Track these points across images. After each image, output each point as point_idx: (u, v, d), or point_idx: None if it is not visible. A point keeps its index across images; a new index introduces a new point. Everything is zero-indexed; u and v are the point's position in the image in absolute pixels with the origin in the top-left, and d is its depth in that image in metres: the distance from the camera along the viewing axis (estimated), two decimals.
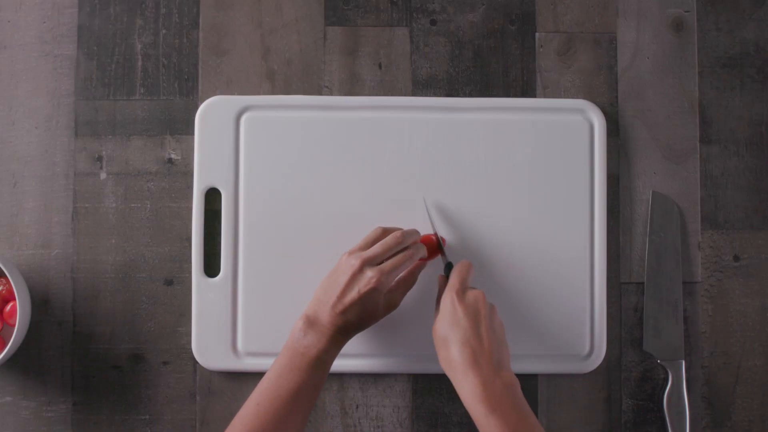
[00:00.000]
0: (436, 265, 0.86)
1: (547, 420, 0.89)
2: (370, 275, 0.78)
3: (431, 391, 0.90)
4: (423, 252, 0.84)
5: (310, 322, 0.79)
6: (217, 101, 0.90)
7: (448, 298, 0.78)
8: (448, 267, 0.83)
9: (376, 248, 0.80)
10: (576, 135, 0.90)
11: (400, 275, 0.84)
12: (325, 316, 0.79)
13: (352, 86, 0.91)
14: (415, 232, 0.84)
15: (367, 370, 0.89)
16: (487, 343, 0.75)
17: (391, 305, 0.82)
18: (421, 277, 0.86)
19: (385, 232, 0.83)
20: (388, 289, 0.82)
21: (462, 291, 0.78)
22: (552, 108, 0.90)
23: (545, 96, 0.91)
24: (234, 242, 0.89)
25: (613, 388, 0.90)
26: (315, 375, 0.78)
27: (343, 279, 0.79)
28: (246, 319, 0.89)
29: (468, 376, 0.74)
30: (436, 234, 0.86)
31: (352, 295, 0.78)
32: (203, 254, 0.89)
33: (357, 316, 0.79)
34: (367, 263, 0.79)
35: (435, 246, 0.86)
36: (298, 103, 0.90)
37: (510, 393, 0.74)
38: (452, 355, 0.75)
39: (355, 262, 0.79)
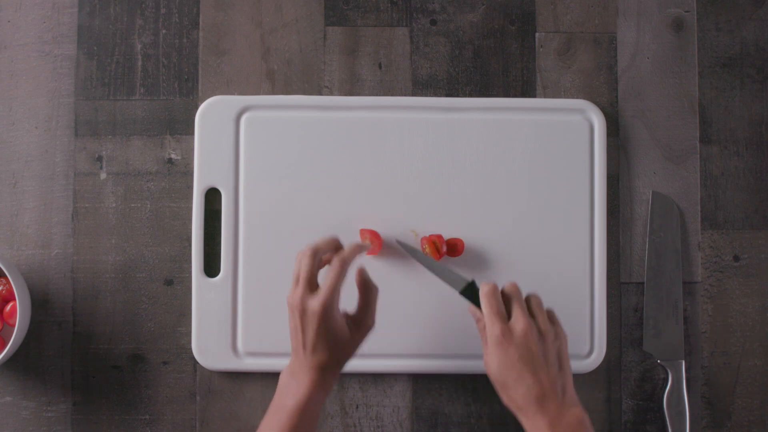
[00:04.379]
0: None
1: None
2: (313, 306, 0.75)
3: (431, 391, 0.90)
4: (349, 255, 0.78)
5: (292, 372, 0.78)
6: (217, 101, 0.90)
7: (494, 338, 0.74)
8: (468, 288, 0.78)
9: (302, 277, 0.76)
10: (576, 135, 0.90)
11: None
12: (301, 361, 0.77)
13: (352, 86, 0.91)
14: (329, 240, 0.80)
15: (367, 370, 0.89)
16: (546, 381, 0.73)
17: (364, 326, 0.79)
18: (419, 277, 0.86)
19: (303, 254, 0.78)
20: (352, 315, 0.80)
21: (506, 328, 0.74)
22: (552, 108, 0.90)
23: (545, 96, 0.91)
24: (234, 242, 0.89)
25: (613, 388, 0.90)
26: (300, 424, 0.75)
27: (295, 322, 0.77)
28: (246, 319, 0.88)
29: (537, 420, 0.73)
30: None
31: (310, 333, 0.76)
32: (203, 254, 0.89)
33: (327, 350, 0.76)
34: (306, 296, 0.76)
35: (378, 240, 0.87)
36: (297, 103, 0.90)
37: (580, 430, 0.73)
38: (514, 398, 0.74)
39: (294, 302, 0.76)
